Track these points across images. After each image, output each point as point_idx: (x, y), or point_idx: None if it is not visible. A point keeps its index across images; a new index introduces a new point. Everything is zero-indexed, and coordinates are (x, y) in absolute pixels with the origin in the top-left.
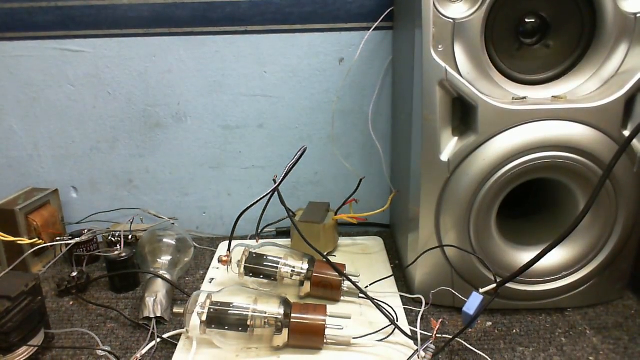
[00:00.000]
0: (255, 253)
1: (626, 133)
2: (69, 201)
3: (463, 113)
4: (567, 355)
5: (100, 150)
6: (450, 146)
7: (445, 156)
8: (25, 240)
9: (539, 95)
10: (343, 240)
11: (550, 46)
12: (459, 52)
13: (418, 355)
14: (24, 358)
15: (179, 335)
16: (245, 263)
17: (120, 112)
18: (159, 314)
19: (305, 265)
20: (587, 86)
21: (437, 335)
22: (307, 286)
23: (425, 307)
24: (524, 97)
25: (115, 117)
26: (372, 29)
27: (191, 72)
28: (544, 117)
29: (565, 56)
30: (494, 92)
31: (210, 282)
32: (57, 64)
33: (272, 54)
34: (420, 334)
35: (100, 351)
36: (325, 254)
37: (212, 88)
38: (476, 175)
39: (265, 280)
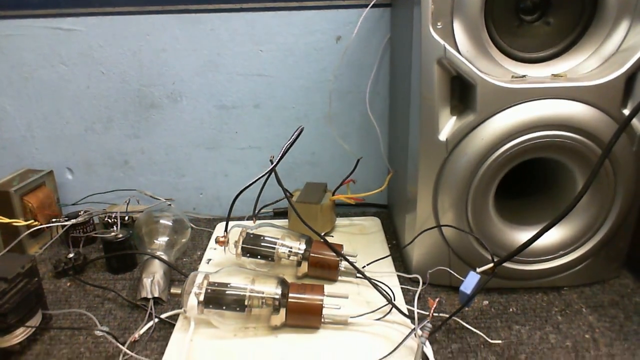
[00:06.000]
0: (252, 234)
1: (626, 112)
2: (64, 182)
3: (462, 92)
4: (563, 333)
5: (95, 131)
6: (448, 126)
7: (443, 136)
8: (20, 222)
9: (539, 73)
10: (340, 221)
11: (551, 23)
12: (458, 29)
13: (415, 334)
14: (23, 338)
15: (177, 315)
16: (242, 244)
17: (114, 92)
18: (156, 295)
19: (303, 246)
20: (587, 64)
21: (434, 314)
22: (304, 266)
23: (422, 286)
24: (524, 76)
25: (110, 97)
26: (369, 6)
27: (186, 51)
28: (544, 96)
29: (565, 33)
30: (493, 71)
31: (208, 263)
32: (49, 43)
33: (267, 32)
34: (417, 313)
35: (98, 331)
36: (322, 234)
37: (207, 67)
38: (474, 154)
39: (262, 261)
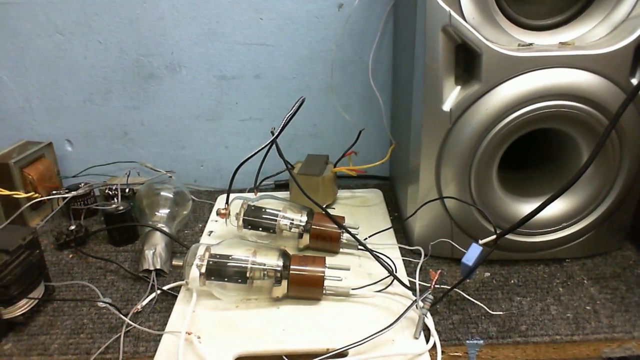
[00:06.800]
0: (253, 206)
1: (634, 81)
2: (64, 154)
3: (467, 61)
4: (564, 304)
5: (94, 102)
6: (452, 95)
7: (447, 106)
8: (21, 194)
9: (546, 41)
10: (342, 193)
11: None
12: None
13: (416, 306)
14: (26, 310)
15: (179, 287)
16: (243, 216)
17: (112, 62)
18: (158, 267)
19: (304, 218)
20: (596, 32)
21: (436, 286)
22: (306, 238)
23: (424, 258)
24: (531, 44)
25: (108, 68)
26: None
27: (184, 19)
28: (551, 65)
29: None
30: (500, 39)
31: (209, 235)
32: (45, 12)
33: None
34: (419, 284)
35: (101, 303)
36: (324, 206)
37: (206, 36)
38: (478, 125)
39: (264, 233)
